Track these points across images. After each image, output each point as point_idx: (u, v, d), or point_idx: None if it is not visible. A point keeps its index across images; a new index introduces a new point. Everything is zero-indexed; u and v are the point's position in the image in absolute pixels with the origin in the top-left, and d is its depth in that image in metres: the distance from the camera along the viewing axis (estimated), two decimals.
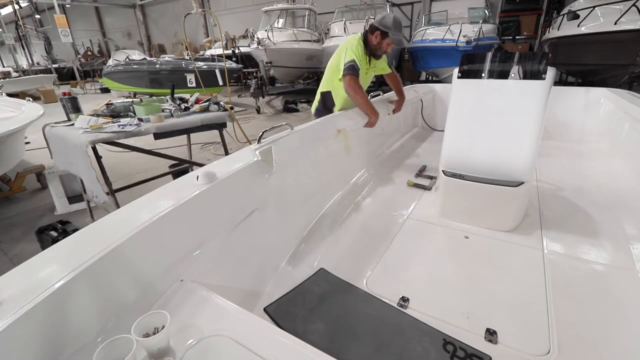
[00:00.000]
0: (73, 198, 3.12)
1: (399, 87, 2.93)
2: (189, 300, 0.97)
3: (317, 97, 2.66)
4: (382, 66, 2.66)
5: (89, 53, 18.90)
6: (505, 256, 1.64)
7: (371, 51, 2.38)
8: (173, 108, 2.71)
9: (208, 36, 15.90)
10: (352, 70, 2.23)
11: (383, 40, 2.28)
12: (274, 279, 1.51)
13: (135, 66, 9.17)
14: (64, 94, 2.64)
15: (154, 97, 3.26)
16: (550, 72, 1.65)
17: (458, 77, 1.88)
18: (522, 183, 1.74)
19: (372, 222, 1.95)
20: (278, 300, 1.38)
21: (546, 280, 1.44)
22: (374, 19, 2.49)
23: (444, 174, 1.94)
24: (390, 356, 1.13)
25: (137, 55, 11.97)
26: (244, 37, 11.12)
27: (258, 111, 7.94)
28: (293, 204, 1.83)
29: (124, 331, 0.73)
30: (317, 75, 10.44)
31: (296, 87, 9.83)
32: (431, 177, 2.59)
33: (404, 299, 1.36)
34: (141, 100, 2.95)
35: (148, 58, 10.37)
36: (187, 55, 9.75)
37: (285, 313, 1.32)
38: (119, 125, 2.31)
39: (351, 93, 2.31)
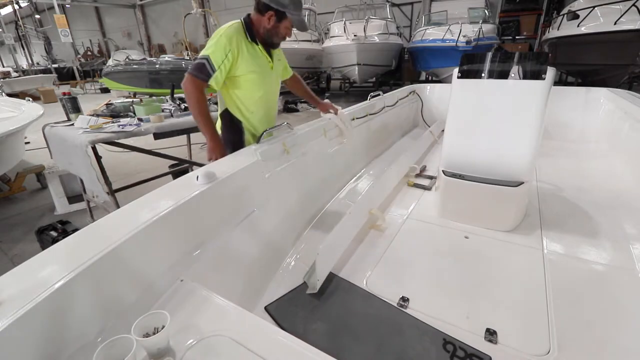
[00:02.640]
0: (73, 198, 3.12)
1: (308, 91, 2.16)
2: (189, 300, 0.96)
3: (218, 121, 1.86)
4: (283, 64, 1.94)
5: (89, 53, 18.89)
6: (505, 256, 1.64)
7: (264, 39, 1.69)
8: (173, 108, 2.71)
9: (208, 36, 15.89)
10: (197, 70, 1.56)
11: (280, 24, 1.63)
12: (274, 279, 1.51)
13: (135, 66, 9.17)
14: (64, 94, 2.64)
15: (154, 97, 3.26)
16: (550, 72, 1.65)
17: (458, 77, 1.88)
18: (522, 183, 1.74)
19: (372, 222, 1.95)
20: (278, 300, 1.38)
21: (546, 280, 1.44)
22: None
23: (444, 174, 1.94)
24: (390, 356, 1.13)
25: (137, 55, 11.97)
26: None
27: None
28: (293, 203, 1.83)
29: (124, 331, 0.73)
30: (317, 75, 10.43)
31: None
32: (431, 177, 2.59)
33: (404, 299, 1.36)
34: (141, 100, 2.95)
35: (148, 58, 10.37)
36: (187, 55, 9.74)
37: (286, 313, 1.32)
38: (119, 125, 2.31)
39: (186, 97, 1.64)
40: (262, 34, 1.67)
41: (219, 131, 1.82)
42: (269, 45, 1.74)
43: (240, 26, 1.64)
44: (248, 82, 1.69)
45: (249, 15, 1.68)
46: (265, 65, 1.73)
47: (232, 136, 1.80)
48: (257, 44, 1.67)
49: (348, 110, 2.63)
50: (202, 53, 1.58)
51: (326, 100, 2.32)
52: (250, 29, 1.65)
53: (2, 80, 11.19)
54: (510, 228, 1.83)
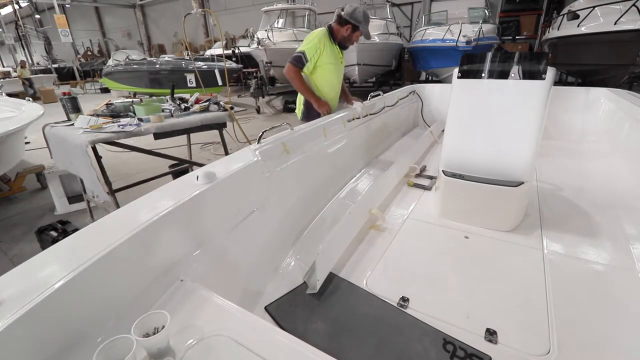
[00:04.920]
0: (73, 198, 3.12)
1: (344, 86, 2.77)
2: (189, 300, 0.96)
3: (301, 100, 2.58)
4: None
5: (89, 53, 18.90)
6: (505, 256, 1.64)
7: (339, 42, 2.40)
8: (173, 108, 2.71)
9: (208, 36, 15.90)
10: (296, 61, 2.29)
11: (354, 34, 2.33)
12: (274, 279, 1.51)
13: (135, 66, 9.17)
14: (64, 94, 2.64)
15: (154, 97, 3.26)
16: (550, 72, 1.65)
17: (458, 77, 1.88)
18: (522, 183, 1.74)
19: (372, 222, 1.95)
20: (279, 300, 1.38)
21: (546, 280, 1.44)
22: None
23: (444, 174, 1.94)
24: (390, 356, 1.13)
25: (137, 55, 11.96)
26: (244, 37, 11.12)
27: (258, 111, 7.94)
28: (293, 203, 1.83)
29: (124, 331, 0.73)
30: None
31: None
32: (431, 177, 2.59)
33: (404, 299, 1.36)
34: (141, 100, 2.95)
35: (148, 58, 10.37)
36: (187, 55, 9.75)
37: (286, 313, 1.32)
38: (119, 125, 2.31)
39: (290, 79, 2.38)
40: (338, 39, 2.38)
41: (301, 106, 2.57)
42: (341, 47, 2.45)
43: (327, 31, 2.35)
44: (327, 70, 2.40)
45: (330, 24, 2.37)
46: (338, 60, 2.45)
47: (311, 110, 2.49)
48: (335, 45, 2.39)
49: (348, 110, 2.64)
50: (300, 49, 2.30)
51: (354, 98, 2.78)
52: (332, 34, 2.36)
53: (2, 80, 11.19)
54: (510, 228, 1.83)
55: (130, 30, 20.13)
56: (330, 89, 2.52)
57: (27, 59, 16.79)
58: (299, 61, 2.30)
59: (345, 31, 2.32)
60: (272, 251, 1.60)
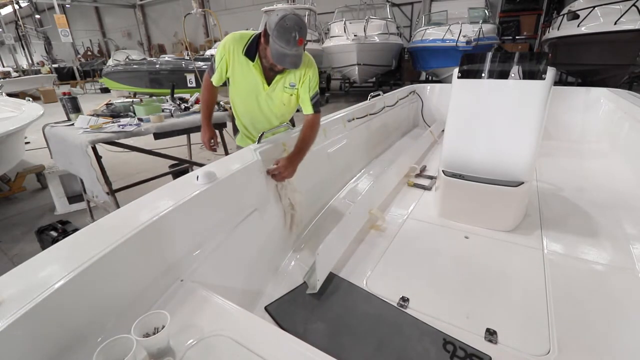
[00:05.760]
0: (73, 198, 3.12)
1: (305, 138, 1.69)
2: (189, 300, 0.96)
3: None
4: (302, 96, 1.74)
5: (89, 53, 18.89)
6: (505, 256, 1.64)
7: (263, 61, 1.62)
8: (173, 108, 2.71)
9: (208, 36, 15.90)
10: (209, 66, 1.75)
11: (267, 47, 1.49)
12: (274, 279, 1.51)
13: (135, 66, 9.17)
14: (64, 94, 2.64)
15: (154, 97, 3.27)
16: (550, 72, 1.65)
17: (458, 77, 1.88)
18: (522, 183, 1.74)
19: (372, 222, 1.95)
20: (279, 300, 1.38)
21: (546, 280, 1.44)
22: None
23: (444, 174, 1.94)
24: (390, 356, 1.13)
25: (137, 55, 11.96)
26: None
27: None
28: None
29: (124, 331, 0.73)
30: None
31: None
32: (431, 177, 2.59)
33: (404, 299, 1.36)
34: (141, 100, 2.95)
35: (148, 58, 10.36)
36: (187, 55, 9.74)
37: (286, 313, 1.32)
38: (119, 125, 2.31)
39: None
40: (261, 54, 1.61)
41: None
42: (269, 69, 1.63)
43: (243, 37, 1.61)
44: (232, 87, 1.79)
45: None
46: (254, 83, 1.68)
47: (234, 123, 2.03)
48: (252, 60, 1.61)
49: (348, 110, 2.63)
50: None
51: (288, 158, 1.61)
52: (254, 45, 1.59)
53: (2, 80, 11.19)
54: (510, 228, 1.83)
55: (130, 30, 20.11)
56: (241, 112, 1.86)
57: (27, 59, 16.78)
58: (211, 67, 1.72)
59: (263, 40, 1.52)
60: (272, 251, 1.60)
